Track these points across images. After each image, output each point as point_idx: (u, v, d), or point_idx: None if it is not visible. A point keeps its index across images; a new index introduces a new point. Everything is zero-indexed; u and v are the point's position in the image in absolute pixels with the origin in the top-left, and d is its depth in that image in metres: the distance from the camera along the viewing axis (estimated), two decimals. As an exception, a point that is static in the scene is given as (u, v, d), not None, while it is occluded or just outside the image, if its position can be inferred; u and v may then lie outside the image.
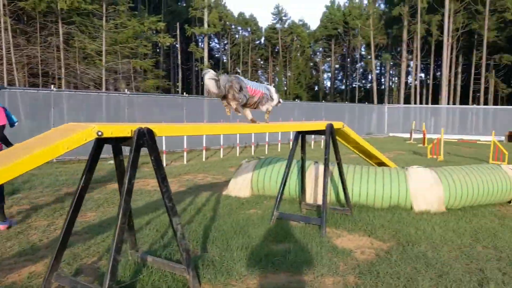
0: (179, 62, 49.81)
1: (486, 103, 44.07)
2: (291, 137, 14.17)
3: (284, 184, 5.88)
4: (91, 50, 22.27)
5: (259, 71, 76.99)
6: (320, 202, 6.54)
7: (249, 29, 71.23)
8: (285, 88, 69.83)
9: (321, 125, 5.64)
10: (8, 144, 5.39)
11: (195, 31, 39.00)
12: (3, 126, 5.44)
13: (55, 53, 24.10)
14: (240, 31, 72.12)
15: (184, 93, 19.63)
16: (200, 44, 60.70)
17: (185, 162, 12.22)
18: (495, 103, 48.51)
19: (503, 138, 24.02)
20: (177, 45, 49.51)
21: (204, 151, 13.38)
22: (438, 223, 5.79)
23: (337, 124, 5.94)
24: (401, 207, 6.49)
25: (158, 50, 46.95)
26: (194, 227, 5.48)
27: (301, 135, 5.99)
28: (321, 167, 6.88)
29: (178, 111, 16.01)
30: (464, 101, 47.09)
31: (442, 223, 5.78)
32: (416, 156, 14.50)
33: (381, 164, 7.62)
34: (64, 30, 23.02)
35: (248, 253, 4.46)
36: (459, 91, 46.34)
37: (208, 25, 40.26)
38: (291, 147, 5.97)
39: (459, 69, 46.34)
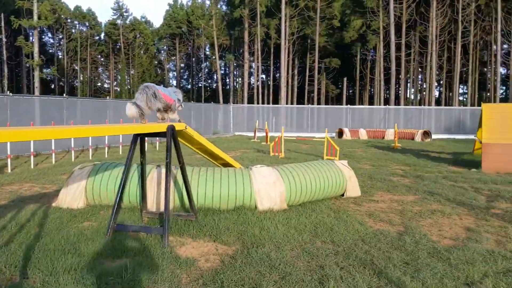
0: (5, 57, 44.25)
1: (319, 102, 48.19)
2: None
3: (122, 192, 5.37)
4: None
5: (99, 68, 72.87)
6: (163, 209, 6.18)
7: (87, 24, 66.93)
8: (129, 87, 67.27)
9: (161, 126, 5.26)
10: None
11: (23, 24, 34.83)
12: None
13: None
14: (77, 25, 67.36)
15: (9, 91, 17.29)
16: (31, 38, 54.98)
17: (9, 171, 10.70)
18: (327, 102, 53.46)
19: (334, 134, 26.41)
20: (2, 39, 43.99)
21: (32, 157, 11.90)
22: (281, 221, 5.86)
23: (179, 126, 5.64)
24: (246, 207, 6.46)
25: None
26: (14, 248, 4.65)
27: (140, 138, 5.55)
28: (164, 171, 6.52)
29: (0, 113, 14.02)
30: (300, 101, 50.92)
31: (285, 221, 5.87)
32: (260, 154, 14.98)
33: (226, 164, 7.53)
34: None
35: (77, 276, 3.87)
36: (296, 92, 49.89)
37: (39, 17, 36.36)
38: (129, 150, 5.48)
39: (296, 71, 49.88)
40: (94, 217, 6.02)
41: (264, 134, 25.52)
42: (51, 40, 66.69)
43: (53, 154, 12.60)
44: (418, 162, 12.96)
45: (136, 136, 5.42)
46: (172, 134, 5.32)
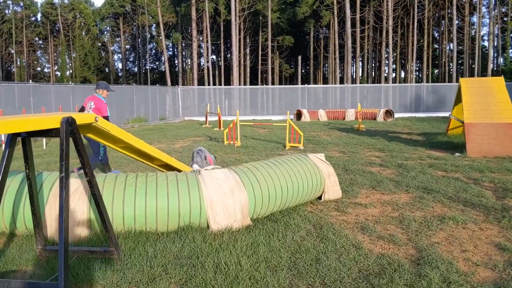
0: None
1: (273, 83, 46.51)
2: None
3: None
4: None
5: (37, 52, 67.78)
6: (77, 237, 4.25)
7: (21, 4, 61.68)
8: (71, 71, 62.98)
9: (50, 120, 3.28)
10: None
11: None
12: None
13: None
14: (11, 5, 62.01)
15: None
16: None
17: None
18: (280, 82, 51.93)
19: (292, 116, 24.85)
20: None
21: None
22: (244, 250, 4.07)
23: (85, 118, 3.68)
24: (195, 227, 4.64)
25: None
26: None
27: (22, 139, 3.56)
28: (76, 182, 4.57)
29: None
30: (253, 82, 49.05)
31: (250, 250, 4.09)
32: (213, 143, 13.09)
33: (167, 167, 5.62)
34: None
35: None
36: (249, 72, 47.95)
37: None
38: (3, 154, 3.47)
39: (248, 50, 47.84)
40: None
41: (216, 118, 23.62)
42: (-19, 22, 61.03)
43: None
44: (392, 147, 11.50)
45: (12, 136, 3.43)
46: (72, 132, 3.37)
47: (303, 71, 61.14)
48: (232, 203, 4.73)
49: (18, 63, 63.53)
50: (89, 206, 4.44)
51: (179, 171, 5.51)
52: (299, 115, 23.57)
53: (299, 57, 40.50)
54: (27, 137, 3.55)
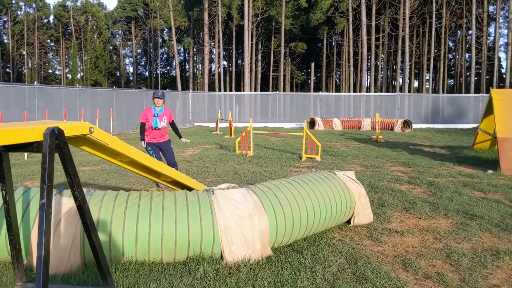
0: None
1: (284, 89, 45.85)
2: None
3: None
4: None
5: (49, 54, 67.75)
6: (67, 268, 3.56)
7: (34, 6, 61.71)
8: (82, 74, 62.79)
9: (30, 132, 2.59)
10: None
11: None
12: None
13: None
14: (23, 6, 62.06)
15: None
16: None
17: None
18: (292, 89, 51.27)
19: (303, 124, 24.13)
20: None
21: None
22: (267, 291, 3.35)
23: (76, 128, 2.98)
24: (206, 258, 3.93)
25: None
26: None
27: (-3, 153, 2.87)
28: (69, 202, 3.89)
29: None
30: (264, 88, 48.42)
31: (274, 292, 3.36)
32: (224, 152, 12.38)
33: (176, 183, 4.92)
34: None
35: None
36: (260, 78, 47.32)
37: None
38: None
39: (259, 56, 47.24)
40: None
41: (227, 125, 22.99)
42: (-6, 23, 61.18)
43: None
44: (416, 161, 10.72)
45: (-17, 150, 2.74)
46: (58, 146, 2.68)
47: (314, 78, 60.45)
48: (250, 230, 4.01)
49: (29, 64, 63.50)
50: (83, 231, 3.75)
51: (190, 189, 4.81)
52: (312, 123, 22.81)
53: (312, 64, 39.78)
54: (4, 152, 2.86)
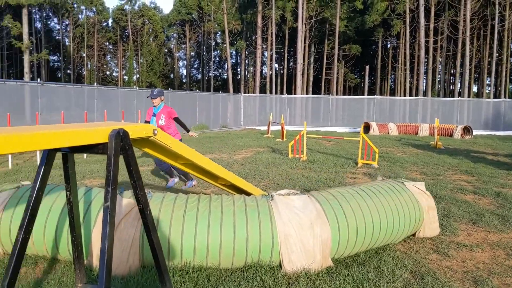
0: None
1: (336, 93, 45.20)
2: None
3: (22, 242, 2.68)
4: None
5: (107, 56, 70.36)
6: (126, 270, 3.55)
7: (94, 9, 64.29)
8: (138, 76, 64.75)
9: (96, 133, 2.56)
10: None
11: (9, 1, 31.15)
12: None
13: None
14: (84, 10, 64.75)
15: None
16: (34, 21, 52.67)
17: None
18: (344, 93, 50.48)
19: (358, 129, 23.60)
20: None
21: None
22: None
23: (141, 130, 2.94)
24: (264, 265, 3.81)
25: None
26: None
27: (63, 154, 2.87)
28: (129, 203, 3.89)
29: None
30: (316, 91, 47.95)
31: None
32: (276, 155, 12.24)
33: (233, 187, 4.84)
34: None
35: None
36: (312, 81, 46.90)
37: None
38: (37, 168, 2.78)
39: (312, 59, 46.84)
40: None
41: (278, 128, 22.90)
42: (57, 26, 64.22)
43: (9, 156, 9.86)
44: (480, 169, 10.13)
45: (49, 152, 2.74)
46: (122, 148, 2.65)
47: (368, 81, 59.25)
48: (311, 239, 3.85)
49: (89, 66, 66.19)
50: (142, 233, 3.73)
51: (248, 194, 4.72)
52: (366, 127, 22.26)
53: (366, 67, 38.95)
54: (69, 153, 2.86)
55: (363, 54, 46.53)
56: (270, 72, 44.77)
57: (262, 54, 47.24)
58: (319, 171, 9.52)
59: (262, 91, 44.48)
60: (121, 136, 2.64)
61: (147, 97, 7.49)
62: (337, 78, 45.44)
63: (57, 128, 2.45)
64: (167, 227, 3.73)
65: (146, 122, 7.24)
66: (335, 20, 39.55)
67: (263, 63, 50.37)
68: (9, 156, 9.81)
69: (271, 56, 43.21)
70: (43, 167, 2.69)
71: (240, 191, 4.98)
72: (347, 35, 43.79)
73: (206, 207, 3.89)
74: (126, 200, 3.92)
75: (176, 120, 7.36)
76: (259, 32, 39.13)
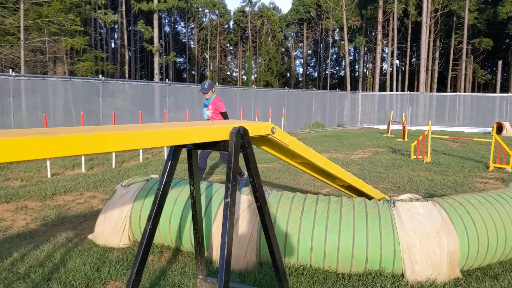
0: (126, 42, 45.21)
1: (464, 90, 41.93)
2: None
3: (148, 237, 2.84)
4: (8, 25, 18.31)
5: (228, 57, 73.44)
6: (243, 266, 3.61)
7: (217, 12, 67.47)
8: (255, 75, 66.62)
9: (217, 131, 2.60)
10: None
11: (142, 7, 33.90)
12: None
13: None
14: (208, 14, 68.29)
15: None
16: (163, 26, 56.90)
17: (82, 170, 9.02)
18: (473, 90, 46.63)
19: (489, 129, 21.63)
20: (123, 22, 44.88)
21: (114, 154, 10.16)
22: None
23: (260, 128, 2.94)
24: (385, 273, 3.59)
25: (101, 29, 42.85)
26: None
27: (188, 151, 2.98)
28: (247, 200, 3.95)
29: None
30: (440, 88, 44.95)
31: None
32: (397, 156, 11.66)
33: (351, 188, 4.67)
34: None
35: None
36: (437, 78, 44.06)
37: (158, 0, 35.06)
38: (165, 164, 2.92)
39: (437, 54, 43.99)
40: (129, 273, 3.63)
41: (399, 127, 21.90)
42: (184, 30, 68.61)
43: (141, 151, 10.73)
44: None
45: (176, 148, 2.86)
46: (242, 146, 2.67)
47: (500, 77, 53.97)
48: (437, 249, 3.55)
49: (211, 67, 69.67)
50: (260, 230, 3.75)
51: (368, 197, 4.51)
52: (499, 128, 20.26)
53: (499, 62, 35.40)
54: (193, 149, 2.96)
55: (495, 48, 42.41)
56: (391, 69, 42.96)
57: (382, 50, 45.55)
58: (444, 175, 8.85)
59: (382, 88, 42.91)
60: (241, 134, 2.66)
61: (199, 91, 7.44)
62: (465, 74, 42.07)
63: (184, 126, 2.53)
64: (284, 226, 3.71)
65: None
66: (464, 12, 36.60)
67: (383, 59, 48.57)
68: (140, 151, 10.66)
69: (392, 52, 41.44)
70: (169, 162, 2.82)
71: (358, 192, 4.79)
72: (476, 28, 40.28)
73: (325, 210, 3.79)
74: (245, 196, 3.98)
75: (223, 115, 7.14)
76: (379, 27, 37.75)
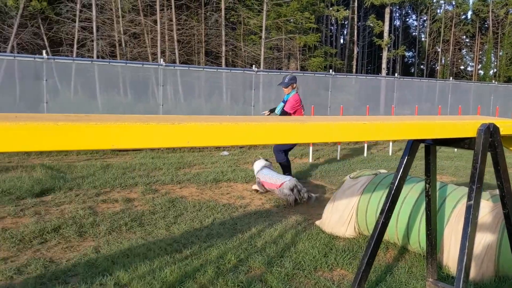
0: (355, 37, 45.25)
1: None
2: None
3: (379, 233, 2.85)
4: (252, 25, 20.56)
5: (463, 50, 67.40)
6: (478, 276, 3.34)
7: (453, 3, 62.48)
8: (495, 70, 59.51)
9: (461, 127, 2.44)
10: None
11: (374, 2, 33.35)
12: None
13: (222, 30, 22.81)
14: (443, 5, 63.86)
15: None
16: (394, 19, 55.59)
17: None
18: None
19: None
20: (353, 18, 44.96)
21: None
22: None
23: (510, 126, 2.64)
24: None
25: (331, 25, 43.88)
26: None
27: (426, 146, 2.88)
28: (487, 206, 3.61)
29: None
30: None
31: None
32: None
33: None
34: (227, 4, 21.67)
35: None
36: None
37: None
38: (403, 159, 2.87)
39: None
40: (355, 263, 3.72)
41: None
42: (415, 23, 65.81)
43: (365, 145, 10.74)
44: None
45: (413, 142, 2.79)
46: (491, 144, 2.46)
47: None
48: None
49: (443, 61, 65.07)
50: (500, 240, 3.38)
51: None
52: None
53: None
54: (432, 145, 2.84)
55: None
56: None
57: None
58: None
59: None
60: (490, 131, 2.43)
61: (278, 85, 6.80)
62: None
63: (424, 119, 2.45)
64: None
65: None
66: None
67: None
68: (365, 146, 10.72)
69: None
70: (406, 157, 2.76)
71: None
72: None
73: None
74: (484, 201, 3.63)
75: (284, 113, 6.55)
76: None
